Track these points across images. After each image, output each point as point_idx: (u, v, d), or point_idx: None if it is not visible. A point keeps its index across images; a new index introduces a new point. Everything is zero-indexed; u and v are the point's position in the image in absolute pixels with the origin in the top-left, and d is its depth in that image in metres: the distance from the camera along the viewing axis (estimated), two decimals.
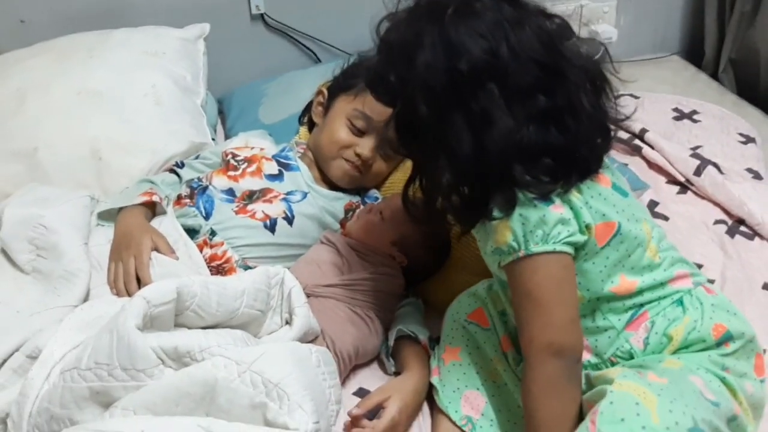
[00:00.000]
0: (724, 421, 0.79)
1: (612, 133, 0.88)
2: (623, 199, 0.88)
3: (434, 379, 0.98)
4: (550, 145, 0.81)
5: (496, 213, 0.82)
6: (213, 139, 1.46)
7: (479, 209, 0.84)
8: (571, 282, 0.83)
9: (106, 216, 1.16)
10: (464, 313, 1.00)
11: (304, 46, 1.78)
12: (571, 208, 0.82)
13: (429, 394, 0.99)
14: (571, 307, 0.82)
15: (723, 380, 0.83)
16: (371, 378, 1.04)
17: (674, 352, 0.85)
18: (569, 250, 0.82)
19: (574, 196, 0.83)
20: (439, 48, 0.80)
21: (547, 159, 0.81)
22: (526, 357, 0.83)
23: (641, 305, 0.86)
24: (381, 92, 0.91)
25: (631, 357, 0.86)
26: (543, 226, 0.81)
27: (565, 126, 0.81)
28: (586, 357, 0.87)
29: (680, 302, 0.87)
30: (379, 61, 0.87)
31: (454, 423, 0.94)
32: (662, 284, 0.87)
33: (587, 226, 0.83)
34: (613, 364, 0.87)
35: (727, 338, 0.86)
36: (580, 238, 0.82)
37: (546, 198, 0.81)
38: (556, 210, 0.81)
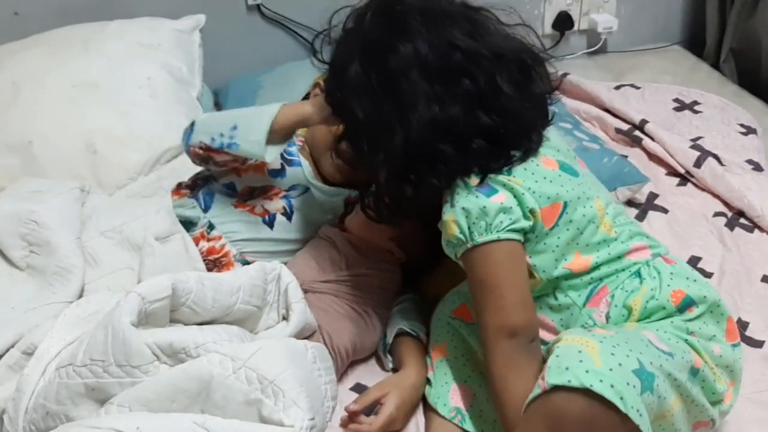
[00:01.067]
0: (683, 372, 0.81)
1: (549, 114, 0.92)
2: (572, 178, 0.90)
3: (430, 375, 0.99)
4: (479, 127, 0.85)
5: (444, 207, 0.86)
6: None
7: (423, 202, 0.88)
8: (519, 266, 0.86)
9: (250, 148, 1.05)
10: (448, 311, 1.02)
11: (301, 36, 1.76)
12: (514, 196, 0.85)
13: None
14: (520, 290, 0.85)
15: (686, 342, 0.84)
16: (369, 374, 1.04)
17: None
18: (515, 236, 0.85)
19: (516, 183, 0.86)
20: (363, 54, 0.87)
21: (478, 140, 0.85)
22: (483, 341, 0.86)
23: (600, 279, 0.88)
24: (337, 112, 0.95)
25: None
26: (485, 217, 0.84)
27: (490, 107, 0.85)
28: (552, 337, 0.88)
29: (638, 273, 0.89)
30: (327, 81, 0.94)
31: (445, 417, 0.94)
32: (619, 257, 0.89)
33: (531, 211, 0.86)
34: None
35: (688, 303, 0.87)
36: (524, 223, 0.85)
37: (487, 187, 0.85)
38: (497, 200, 0.85)
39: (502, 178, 0.86)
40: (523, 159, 0.88)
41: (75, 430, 0.78)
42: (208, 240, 1.11)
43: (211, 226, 1.12)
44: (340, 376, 1.01)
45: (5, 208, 1.07)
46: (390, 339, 1.05)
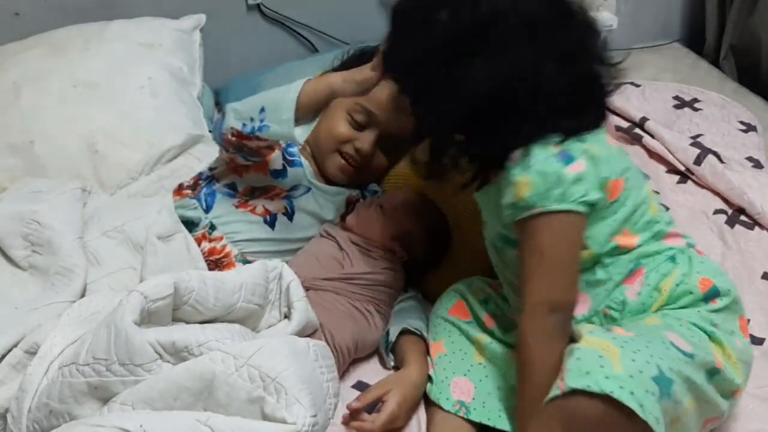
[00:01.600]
0: (701, 373, 0.81)
1: (612, 85, 0.91)
2: (627, 157, 0.92)
3: (431, 373, 0.99)
4: (567, 84, 0.84)
5: (516, 168, 0.84)
6: (210, 131, 1.46)
7: (495, 157, 0.86)
8: (579, 243, 0.86)
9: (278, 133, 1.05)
10: (445, 309, 1.03)
11: (301, 36, 1.76)
12: (593, 164, 0.84)
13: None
14: (575, 268, 0.86)
15: (711, 335, 0.85)
16: (370, 371, 1.04)
17: (662, 306, 0.88)
18: (584, 209, 0.84)
19: (595, 151, 0.85)
20: (454, 1, 0.84)
21: (564, 99, 0.84)
22: (525, 309, 0.86)
23: (639, 260, 0.89)
24: (399, 65, 0.91)
25: (623, 308, 0.89)
26: (561, 184, 0.83)
27: (579, 66, 0.84)
28: (582, 311, 0.89)
29: (672, 258, 0.90)
30: (394, 34, 0.89)
31: (448, 412, 0.95)
32: (658, 240, 0.90)
33: (605, 180, 0.85)
34: (605, 316, 0.89)
35: (714, 293, 0.88)
36: (595, 195, 0.85)
37: (566, 154, 0.84)
38: (574, 169, 0.84)
39: (581, 144, 0.85)
40: (596, 128, 0.87)
41: (78, 428, 0.78)
42: (210, 240, 1.11)
43: (212, 227, 1.12)
44: (342, 373, 1.01)
45: (7, 209, 1.07)
46: (393, 337, 1.04)
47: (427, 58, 0.86)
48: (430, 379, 0.99)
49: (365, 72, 1.02)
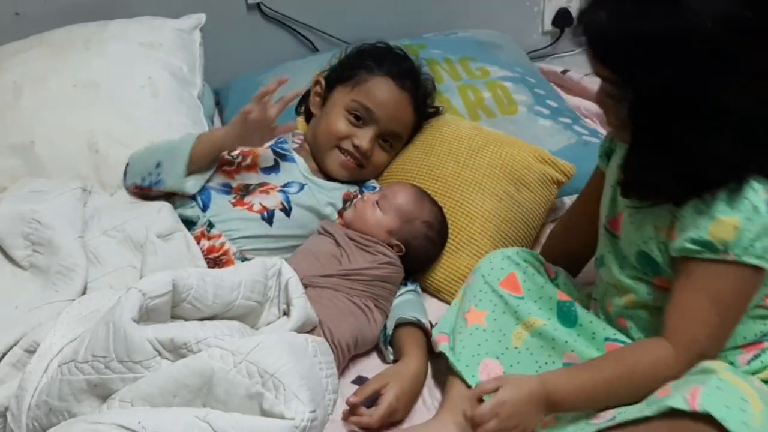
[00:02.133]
0: None
1: None
2: None
3: (443, 346, 0.96)
4: None
5: (722, 205, 0.77)
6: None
7: (702, 183, 0.77)
8: (752, 299, 0.81)
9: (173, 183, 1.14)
10: (497, 279, 0.97)
11: (301, 35, 1.77)
12: None
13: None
14: (736, 325, 0.82)
15: None
16: (370, 366, 1.04)
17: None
18: None
19: None
20: None
21: None
22: (676, 348, 0.80)
23: (766, 335, 0.85)
24: (623, 54, 0.76)
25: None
26: (765, 239, 0.77)
27: None
28: None
29: None
30: (619, 17, 0.75)
31: (468, 387, 0.93)
32: None
33: None
34: None
35: None
36: None
37: None
38: None
39: None
40: None
41: (77, 426, 0.78)
42: (209, 239, 1.12)
43: (210, 225, 1.13)
44: (342, 369, 1.01)
45: (8, 208, 1.07)
46: (390, 330, 1.05)
47: (672, 50, 0.72)
48: (452, 350, 0.96)
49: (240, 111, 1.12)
